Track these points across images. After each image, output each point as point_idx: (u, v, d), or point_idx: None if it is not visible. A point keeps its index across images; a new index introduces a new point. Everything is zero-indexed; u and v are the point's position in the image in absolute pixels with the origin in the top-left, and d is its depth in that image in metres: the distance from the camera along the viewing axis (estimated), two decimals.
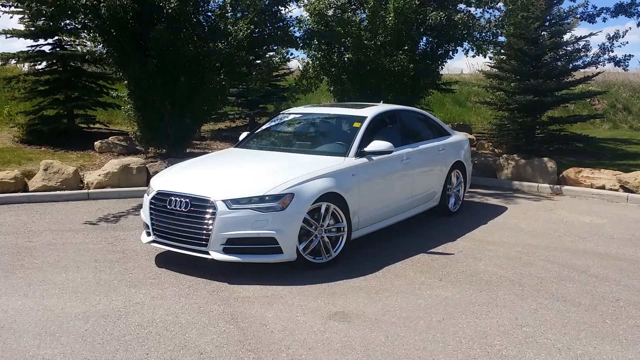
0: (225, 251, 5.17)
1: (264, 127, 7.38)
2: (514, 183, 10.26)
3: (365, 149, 6.17)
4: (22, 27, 11.90)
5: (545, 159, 10.33)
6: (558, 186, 9.81)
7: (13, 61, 12.64)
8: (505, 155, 11.02)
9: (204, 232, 5.18)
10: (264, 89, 13.40)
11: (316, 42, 10.85)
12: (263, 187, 5.28)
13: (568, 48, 13.15)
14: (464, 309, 4.66)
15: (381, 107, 7.26)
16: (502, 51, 13.57)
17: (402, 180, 6.75)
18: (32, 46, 12.41)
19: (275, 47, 11.08)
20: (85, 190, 9.03)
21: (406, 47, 11.10)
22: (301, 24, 10.54)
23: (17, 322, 4.27)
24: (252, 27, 9.70)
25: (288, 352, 3.85)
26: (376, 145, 6.18)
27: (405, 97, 11.42)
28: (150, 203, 5.61)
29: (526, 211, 8.39)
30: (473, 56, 12.25)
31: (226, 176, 5.77)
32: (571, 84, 13.32)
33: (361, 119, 6.58)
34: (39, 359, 3.72)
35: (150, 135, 10.54)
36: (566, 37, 13.11)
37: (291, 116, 7.44)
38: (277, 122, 7.39)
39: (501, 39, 12.41)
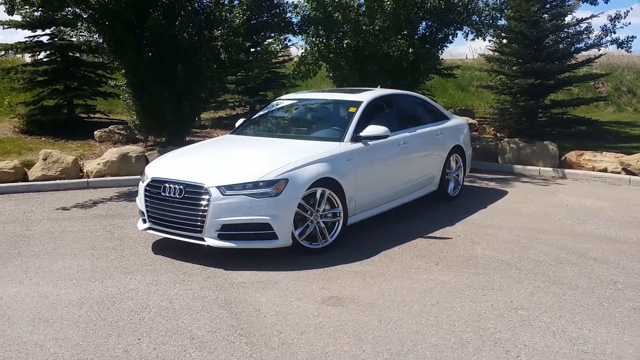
0: (220, 237, 5.16)
1: (259, 113, 7.35)
2: (515, 167, 10.20)
3: (361, 134, 6.12)
4: (19, 18, 11.85)
5: (547, 142, 10.26)
6: (560, 169, 9.74)
7: (12, 52, 12.60)
8: (506, 139, 10.96)
9: (199, 218, 5.17)
10: (264, 76, 13.33)
11: (314, 28, 10.76)
12: (257, 173, 5.25)
13: (570, 30, 13.02)
14: (459, 292, 4.63)
15: (377, 92, 7.21)
16: (502, 34, 13.44)
17: (400, 164, 6.71)
18: (30, 37, 12.38)
19: (272, 34, 11.00)
20: (85, 179, 9.04)
21: (405, 32, 11.00)
22: (298, 10, 10.45)
23: (11, 309, 4.27)
24: (249, 13, 9.63)
25: (280, 336, 3.84)
26: (372, 129, 6.13)
27: (406, 82, 11.34)
28: (145, 190, 5.60)
29: (527, 195, 8.34)
30: (472, 39, 12.06)
31: (221, 163, 5.75)
32: (574, 66, 13.21)
33: (357, 104, 6.53)
34: (31, 344, 3.72)
35: (149, 124, 10.51)
36: (567, 19, 13.00)
37: (287, 102, 7.40)
38: (272, 109, 7.36)
39: (501, 22, 12.32)
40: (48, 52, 12.63)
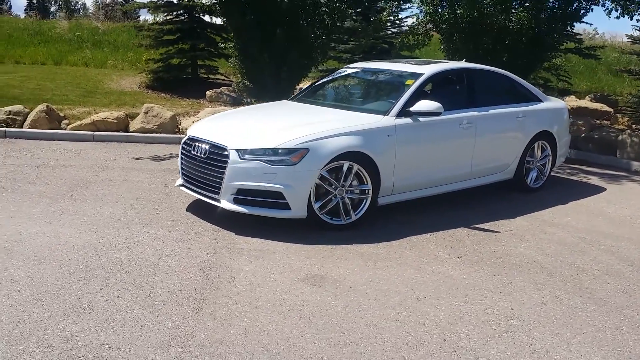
0: (235, 201, 5.11)
1: (321, 80, 7.14)
2: (632, 163, 8.96)
3: (411, 109, 5.68)
4: None
5: None
6: None
7: (145, 11, 13.45)
8: (628, 131, 9.65)
9: (217, 179, 5.16)
10: (379, 46, 12.94)
11: None
12: (278, 139, 5.10)
13: None
14: (458, 290, 4.17)
15: (445, 65, 6.65)
16: None
17: (459, 146, 6.16)
18: None
19: (383, 2, 10.60)
20: (178, 135, 9.46)
21: (528, 4, 10.04)
22: None
23: (20, 245, 4.58)
24: None
25: (232, 307, 3.72)
26: (423, 105, 5.67)
27: (525, 59, 10.42)
28: (182, 148, 5.71)
29: (626, 196, 7.29)
30: (617, 17, 10.55)
31: (253, 127, 5.66)
32: None
33: (416, 76, 6.07)
34: (7, 278, 3.94)
35: (251, 87, 10.72)
36: None
37: (351, 71, 7.09)
38: (334, 77, 7.10)
39: None
40: (176, 12, 13.29)
